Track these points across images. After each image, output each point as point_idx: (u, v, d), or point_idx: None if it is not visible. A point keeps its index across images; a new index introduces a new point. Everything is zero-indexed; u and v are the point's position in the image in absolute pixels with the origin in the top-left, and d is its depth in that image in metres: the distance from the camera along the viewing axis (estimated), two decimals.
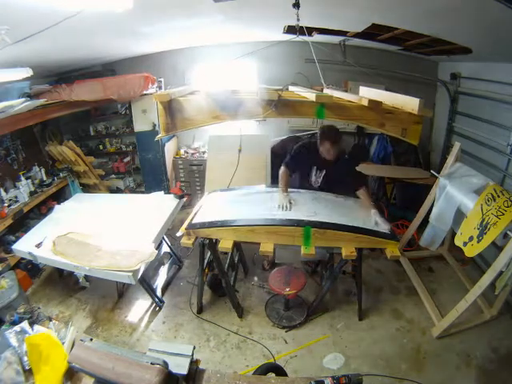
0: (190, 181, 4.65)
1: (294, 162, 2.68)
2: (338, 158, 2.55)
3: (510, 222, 2.03)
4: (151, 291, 2.78)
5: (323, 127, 2.60)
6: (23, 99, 2.95)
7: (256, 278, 3.18)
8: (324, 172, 2.71)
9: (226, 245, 2.27)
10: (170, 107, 1.93)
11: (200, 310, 2.79)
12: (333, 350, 2.44)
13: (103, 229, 2.73)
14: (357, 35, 3.14)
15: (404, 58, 3.95)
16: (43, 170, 3.82)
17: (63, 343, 1.53)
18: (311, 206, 2.47)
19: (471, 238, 2.27)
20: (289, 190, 2.65)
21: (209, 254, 2.62)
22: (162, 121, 1.98)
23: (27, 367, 1.43)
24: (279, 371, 1.62)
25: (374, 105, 1.80)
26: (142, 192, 4.64)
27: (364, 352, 2.42)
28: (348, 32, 3.13)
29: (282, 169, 2.66)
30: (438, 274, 3.20)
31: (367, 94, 2.17)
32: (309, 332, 2.60)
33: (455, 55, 3.20)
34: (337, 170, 2.62)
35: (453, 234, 2.71)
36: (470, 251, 2.27)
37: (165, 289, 3.05)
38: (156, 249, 2.51)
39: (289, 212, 2.38)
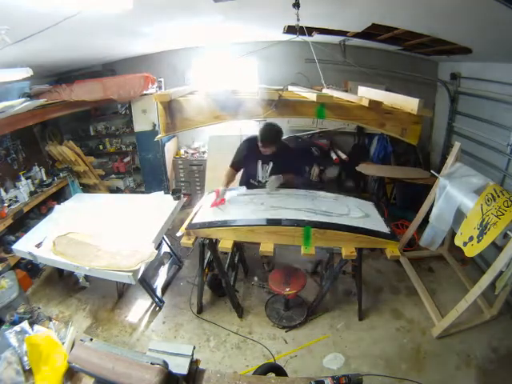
0: (190, 181, 4.65)
1: (238, 161, 2.74)
2: (281, 149, 2.59)
3: (510, 221, 2.03)
4: (151, 291, 2.78)
5: (263, 125, 2.60)
6: (23, 99, 2.95)
7: (256, 278, 3.18)
8: (271, 165, 2.71)
9: (225, 245, 2.27)
10: (170, 107, 1.94)
11: (200, 310, 2.79)
12: (333, 350, 2.43)
13: (103, 229, 2.73)
14: (357, 35, 3.14)
15: (404, 58, 3.95)
16: (43, 170, 3.82)
17: (63, 343, 1.53)
18: (311, 207, 2.47)
19: (471, 238, 2.27)
20: (287, 190, 2.67)
21: (209, 253, 2.62)
22: (162, 121, 1.98)
23: (27, 367, 1.43)
24: (279, 371, 1.62)
25: (375, 105, 1.80)
26: (142, 192, 4.64)
27: (364, 352, 2.42)
28: (348, 32, 3.13)
29: (228, 169, 2.76)
30: (438, 274, 3.20)
31: (366, 94, 2.17)
32: (309, 332, 2.60)
33: (455, 55, 3.20)
34: (284, 160, 2.65)
35: (453, 234, 2.71)
36: (470, 251, 2.27)
37: (165, 289, 3.05)
38: (156, 249, 2.51)
39: (289, 211, 2.38)
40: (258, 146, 2.57)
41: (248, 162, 2.75)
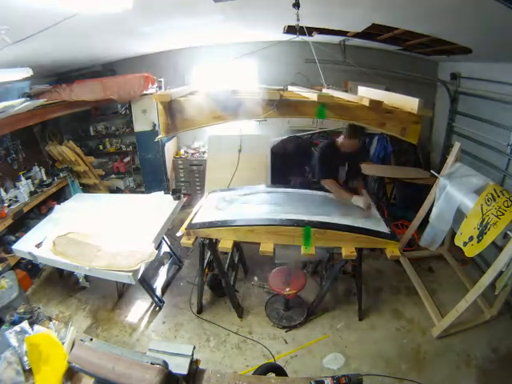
0: (190, 181, 4.65)
1: (328, 171, 2.66)
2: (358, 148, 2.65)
3: (509, 222, 2.03)
4: (151, 291, 2.78)
5: (347, 125, 2.56)
6: (23, 99, 2.95)
7: (256, 278, 3.18)
8: (346, 166, 2.76)
9: (226, 245, 2.27)
10: (171, 108, 1.93)
11: (200, 310, 2.79)
12: (333, 350, 2.44)
13: (103, 229, 2.73)
14: (357, 35, 3.14)
15: (404, 58, 3.95)
16: (43, 170, 3.82)
17: (63, 343, 1.53)
18: (311, 206, 2.47)
19: (471, 238, 2.27)
20: (282, 189, 2.69)
21: (209, 253, 2.62)
22: (162, 121, 1.97)
23: (27, 367, 1.43)
24: (279, 371, 1.62)
25: (375, 105, 1.80)
26: (142, 192, 4.64)
27: (364, 352, 2.42)
28: (348, 32, 3.13)
29: (328, 182, 2.63)
30: (438, 274, 3.20)
31: (366, 93, 2.17)
32: (309, 332, 2.60)
33: (455, 55, 3.20)
34: (354, 161, 2.76)
35: (453, 233, 2.71)
36: (470, 251, 2.27)
37: (165, 289, 3.05)
38: (156, 249, 2.51)
39: (289, 211, 2.38)
40: (334, 151, 2.65)
41: (332, 167, 2.72)
